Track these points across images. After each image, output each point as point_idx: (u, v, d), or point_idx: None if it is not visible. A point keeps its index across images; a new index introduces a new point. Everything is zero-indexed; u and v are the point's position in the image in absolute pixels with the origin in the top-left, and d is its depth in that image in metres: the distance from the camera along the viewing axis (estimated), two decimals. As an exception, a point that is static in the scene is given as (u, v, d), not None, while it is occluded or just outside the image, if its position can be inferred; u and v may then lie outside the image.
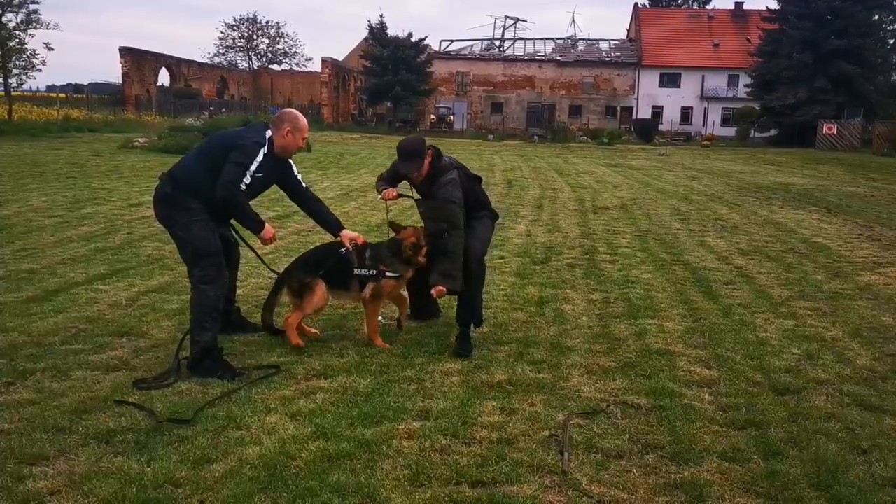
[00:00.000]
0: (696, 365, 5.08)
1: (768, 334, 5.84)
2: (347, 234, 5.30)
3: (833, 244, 10.32)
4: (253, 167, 4.74)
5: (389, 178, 5.61)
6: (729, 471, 3.56)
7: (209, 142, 5.14)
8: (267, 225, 5.02)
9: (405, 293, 5.64)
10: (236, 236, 5.33)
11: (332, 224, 5.36)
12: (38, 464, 3.43)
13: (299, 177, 5.33)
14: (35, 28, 32.77)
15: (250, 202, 4.96)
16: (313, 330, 5.47)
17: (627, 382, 4.70)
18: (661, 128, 56.78)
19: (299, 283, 5.18)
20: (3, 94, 35.18)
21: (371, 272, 5.18)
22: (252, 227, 4.93)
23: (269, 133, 4.94)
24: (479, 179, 5.73)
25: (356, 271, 5.18)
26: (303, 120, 5.08)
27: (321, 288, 5.13)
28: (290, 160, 5.22)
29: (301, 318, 5.21)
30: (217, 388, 4.40)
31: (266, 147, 4.86)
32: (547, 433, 3.91)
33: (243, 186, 4.74)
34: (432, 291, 5.14)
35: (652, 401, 4.38)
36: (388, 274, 5.19)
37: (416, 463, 3.53)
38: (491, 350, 5.27)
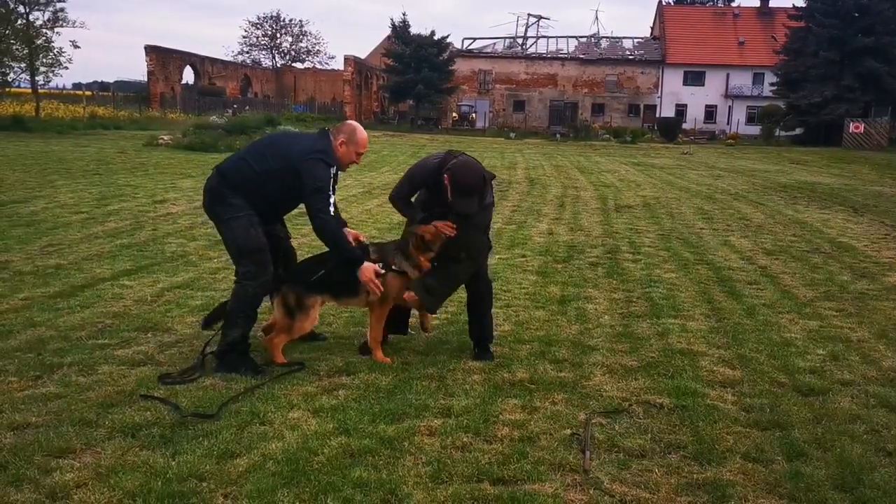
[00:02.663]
0: (720, 365, 5.05)
1: (793, 335, 5.79)
2: (351, 233, 5.03)
3: (859, 244, 10.21)
4: (331, 191, 4.66)
5: (425, 205, 5.13)
6: (752, 471, 3.53)
7: (270, 145, 4.97)
8: (367, 263, 4.75)
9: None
10: (286, 233, 5.19)
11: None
12: (64, 456, 3.47)
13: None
14: (62, 26, 33.30)
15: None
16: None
17: (650, 382, 4.68)
18: (685, 126, 56.34)
19: (296, 298, 4.82)
20: (30, 91, 35.77)
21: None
22: (348, 255, 4.75)
23: (332, 144, 4.80)
24: (493, 177, 5.33)
25: None
26: (361, 134, 4.89)
27: (315, 311, 4.90)
28: None
29: (286, 341, 4.88)
30: (240, 383, 4.43)
31: (335, 165, 4.74)
32: (568, 432, 3.91)
33: (332, 209, 4.66)
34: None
35: (674, 400, 4.35)
36: (392, 268, 4.90)
37: (437, 460, 3.54)
38: (512, 348, 5.27)
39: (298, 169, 4.64)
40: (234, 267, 4.91)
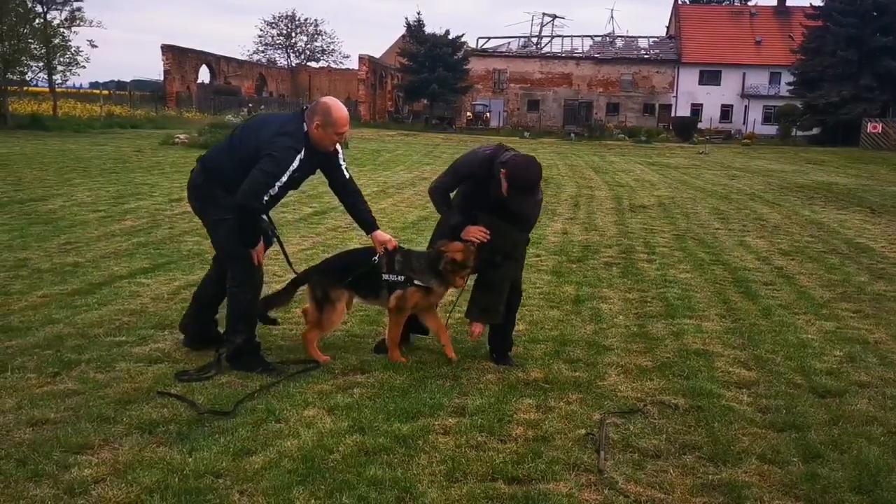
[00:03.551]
0: (735, 366, 5.03)
1: (809, 336, 5.76)
2: (379, 235, 4.86)
3: (877, 245, 10.13)
4: (284, 177, 4.37)
5: (463, 206, 4.92)
6: (768, 473, 3.52)
7: (242, 133, 4.70)
8: (260, 246, 4.65)
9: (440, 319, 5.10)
10: (272, 230, 4.92)
11: (367, 222, 4.92)
12: (83, 452, 3.51)
13: (344, 166, 4.88)
14: (79, 25, 33.46)
15: (288, 194, 4.68)
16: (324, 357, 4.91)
17: (665, 382, 4.67)
18: (701, 126, 55.98)
19: (323, 291, 4.79)
20: (48, 90, 35.99)
21: (399, 278, 4.77)
22: (247, 240, 4.54)
23: (305, 127, 4.50)
24: None
25: (384, 276, 4.79)
26: (337, 112, 4.48)
27: (342, 305, 4.83)
28: (338, 148, 4.78)
29: (319, 336, 4.89)
30: (256, 381, 4.46)
31: (305, 148, 4.45)
32: (583, 431, 3.91)
33: (267, 197, 4.39)
34: (472, 329, 4.83)
35: (689, 401, 4.34)
36: (415, 282, 4.74)
37: (451, 458, 3.55)
38: (527, 348, 5.27)
39: (261, 150, 4.39)
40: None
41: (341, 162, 4.85)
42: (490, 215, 4.70)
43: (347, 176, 4.90)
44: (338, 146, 4.75)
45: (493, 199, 4.64)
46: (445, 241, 4.80)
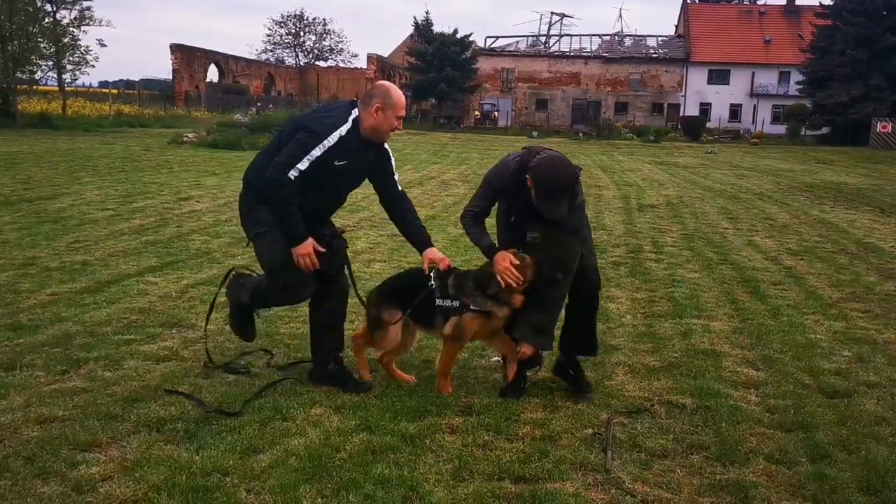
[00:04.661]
0: (743, 366, 5.01)
1: (818, 336, 5.74)
2: (431, 254, 4.35)
3: (886, 245, 10.08)
4: (317, 152, 3.91)
5: (484, 230, 4.39)
6: (776, 473, 3.51)
7: (285, 129, 4.26)
8: (309, 240, 4.10)
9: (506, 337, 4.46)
10: (332, 237, 4.32)
11: (420, 240, 4.44)
12: (90, 450, 3.52)
13: (396, 177, 4.49)
14: (88, 25, 33.58)
15: (339, 201, 4.35)
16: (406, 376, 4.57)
17: (672, 382, 4.65)
18: (709, 125, 55.87)
19: (376, 315, 4.38)
20: (57, 89, 36.17)
21: (453, 304, 4.22)
22: (290, 230, 4.06)
23: (355, 112, 4.08)
24: (580, 171, 4.43)
25: (437, 302, 4.24)
26: (397, 94, 4.13)
27: (395, 330, 4.33)
28: (390, 154, 4.41)
29: (388, 356, 4.50)
30: (263, 379, 4.46)
31: (348, 128, 4.00)
32: (590, 431, 3.90)
33: (295, 172, 3.91)
34: (521, 350, 4.26)
35: (697, 401, 4.33)
36: (472, 308, 4.18)
37: (458, 457, 3.55)
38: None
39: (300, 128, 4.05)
40: (257, 264, 4.51)
41: (394, 171, 4.47)
42: (548, 225, 4.13)
43: (400, 189, 4.50)
44: (389, 152, 4.42)
45: (525, 214, 4.22)
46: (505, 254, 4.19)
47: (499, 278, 4.07)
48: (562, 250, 4.14)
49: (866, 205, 14.96)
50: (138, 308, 5.87)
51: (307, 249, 4.06)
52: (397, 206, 4.48)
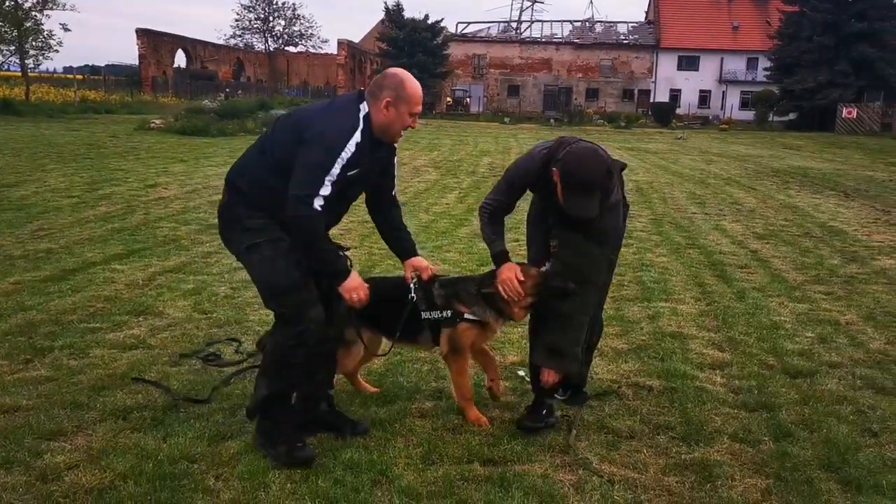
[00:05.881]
0: (709, 347, 5.08)
1: (782, 318, 5.83)
2: (415, 262, 3.78)
3: (849, 228, 10.25)
4: (336, 169, 3.21)
5: (499, 231, 3.85)
6: (739, 452, 3.57)
7: (275, 130, 3.50)
8: (354, 274, 3.47)
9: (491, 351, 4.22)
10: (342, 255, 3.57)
11: (406, 248, 3.83)
12: (56, 439, 3.49)
13: (397, 177, 3.85)
14: (51, 8, 33.05)
15: (343, 213, 3.60)
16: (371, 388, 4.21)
17: (640, 364, 4.71)
18: (679, 111, 56.18)
19: (337, 333, 3.74)
20: (20, 75, 35.48)
21: (443, 314, 3.74)
22: (332, 267, 3.42)
23: (363, 108, 3.38)
24: (622, 167, 3.90)
25: (423, 314, 3.75)
26: (412, 86, 3.39)
27: (357, 350, 3.89)
28: (396, 149, 3.69)
29: (346, 372, 4.06)
30: (232, 368, 4.43)
31: (361, 130, 3.31)
32: (559, 414, 3.93)
33: (320, 201, 3.21)
34: (543, 378, 3.72)
35: (664, 383, 4.39)
36: (466, 316, 3.74)
37: (428, 441, 3.56)
38: (504, 332, 5.26)
39: (302, 132, 3.29)
40: (225, 250, 3.85)
41: (396, 170, 3.79)
42: (567, 229, 3.66)
43: (395, 191, 3.84)
44: (396, 147, 3.69)
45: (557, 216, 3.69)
46: (514, 266, 3.74)
47: (499, 287, 3.68)
48: (579, 256, 3.64)
49: (831, 189, 15.18)
50: (104, 296, 5.80)
51: (358, 282, 3.45)
52: (387, 209, 3.81)
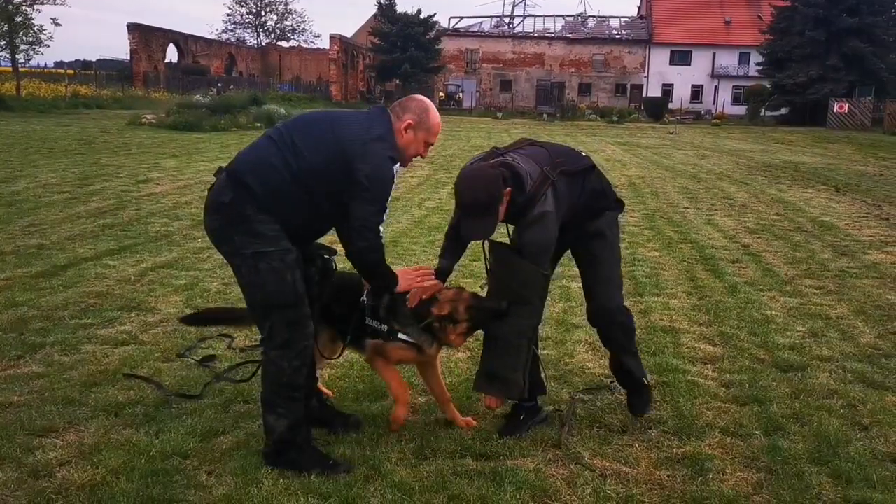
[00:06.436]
0: (701, 342, 5.10)
1: (773, 312, 5.85)
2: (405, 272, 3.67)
3: (841, 223, 10.29)
4: (389, 193, 3.26)
5: (451, 249, 3.76)
6: (730, 445, 3.59)
7: (308, 133, 3.30)
8: (398, 272, 3.54)
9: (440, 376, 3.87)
10: (326, 259, 3.56)
11: None
12: (47, 435, 3.48)
13: None
14: (42, 3, 32.80)
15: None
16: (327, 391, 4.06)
17: (631, 359, 4.71)
18: (671, 106, 56.29)
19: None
20: (10, 69, 35.25)
21: (382, 327, 3.57)
22: (389, 283, 3.46)
23: (392, 121, 3.36)
24: (590, 170, 3.80)
25: (366, 321, 3.60)
26: (435, 117, 3.42)
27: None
28: None
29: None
30: (223, 363, 4.42)
31: (398, 158, 3.32)
32: (551, 408, 3.94)
33: (382, 228, 3.28)
34: (485, 402, 3.70)
35: (656, 377, 4.39)
36: (400, 336, 3.55)
37: (420, 437, 3.57)
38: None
39: (349, 161, 3.18)
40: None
41: None
42: (503, 246, 3.57)
43: None
44: None
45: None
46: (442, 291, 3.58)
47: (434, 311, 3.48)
48: (516, 273, 3.47)
49: (822, 183, 15.23)
50: (96, 292, 5.78)
51: (408, 274, 3.53)
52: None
